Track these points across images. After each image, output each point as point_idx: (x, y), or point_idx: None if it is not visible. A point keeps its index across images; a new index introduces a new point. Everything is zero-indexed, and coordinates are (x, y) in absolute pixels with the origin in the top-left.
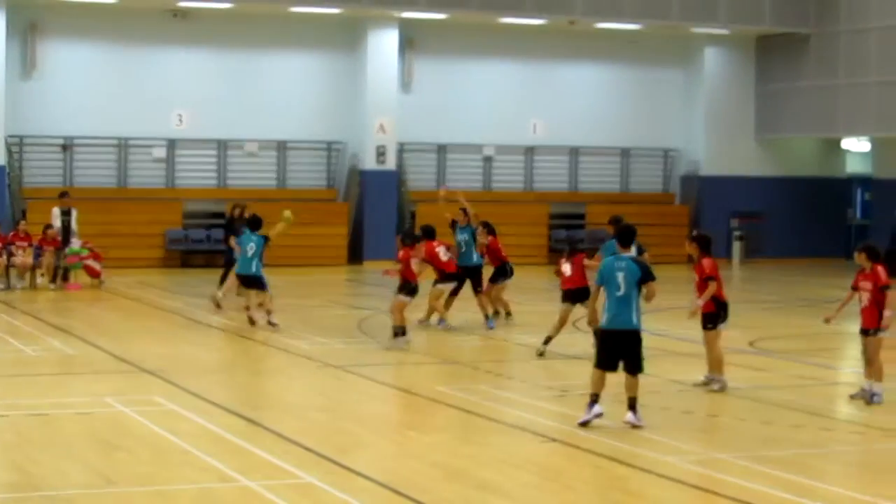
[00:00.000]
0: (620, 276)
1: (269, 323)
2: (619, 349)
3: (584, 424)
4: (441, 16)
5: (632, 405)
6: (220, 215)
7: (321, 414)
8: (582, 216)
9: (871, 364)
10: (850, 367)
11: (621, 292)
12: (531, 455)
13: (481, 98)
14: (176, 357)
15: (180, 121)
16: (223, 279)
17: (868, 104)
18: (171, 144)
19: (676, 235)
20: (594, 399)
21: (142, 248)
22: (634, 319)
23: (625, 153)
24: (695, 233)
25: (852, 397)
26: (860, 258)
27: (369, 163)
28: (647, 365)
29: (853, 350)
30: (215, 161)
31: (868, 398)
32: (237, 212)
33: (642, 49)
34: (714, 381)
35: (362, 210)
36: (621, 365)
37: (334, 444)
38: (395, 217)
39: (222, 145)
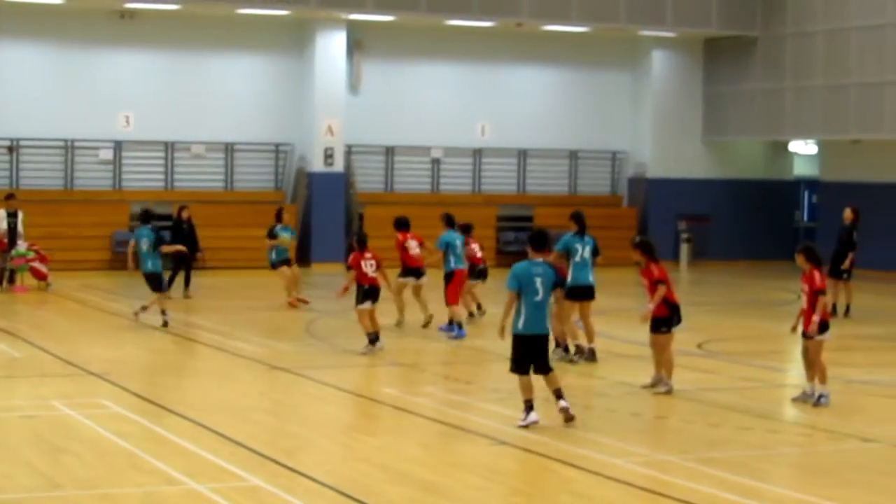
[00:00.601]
0: (538, 282)
1: (164, 324)
2: (534, 353)
3: (526, 425)
4: (389, 18)
5: (560, 394)
6: (167, 217)
7: (268, 416)
8: (530, 218)
9: (814, 367)
10: (796, 370)
11: (539, 297)
12: (479, 457)
13: (429, 100)
14: (122, 359)
15: (127, 122)
16: (170, 281)
17: (815, 107)
18: (118, 146)
19: (624, 238)
20: (530, 405)
21: (88, 250)
22: (547, 324)
23: (573, 155)
24: (637, 239)
25: (794, 400)
26: (799, 259)
27: (317, 165)
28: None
29: (799, 352)
30: (162, 163)
31: (814, 400)
32: (184, 214)
33: (590, 51)
34: (661, 384)
35: (310, 212)
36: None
37: (281, 447)
38: (342, 219)
39: (169, 147)
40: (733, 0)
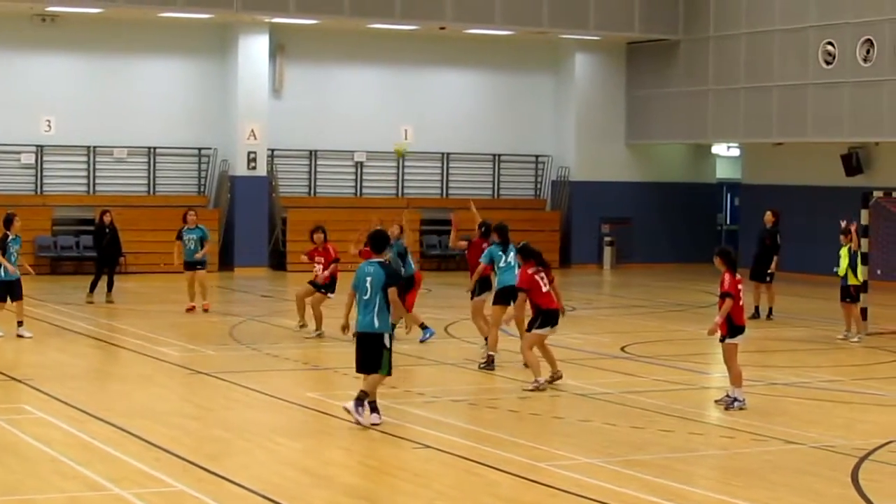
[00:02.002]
0: (368, 281)
1: (19, 335)
2: (368, 351)
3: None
4: (312, 21)
5: (359, 399)
6: (89, 222)
7: (191, 421)
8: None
9: (729, 370)
10: (719, 372)
11: (367, 296)
12: (403, 461)
13: (352, 104)
14: (44, 365)
15: (49, 126)
16: (93, 285)
17: (737, 110)
18: (40, 150)
19: (548, 241)
20: (373, 406)
21: None
22: (377, 323)
23: (496, 159)
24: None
25: (717, 402)
26: (717, 262)
27: (240, 169)
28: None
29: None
30: (84, 167)
31: (726, 404)
32: (106, 218)
33: (513, 55)
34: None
35: (233, 216)
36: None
37: (205, 452)
38: (266, 223)
39: (91, 151)
40: (656, 4)
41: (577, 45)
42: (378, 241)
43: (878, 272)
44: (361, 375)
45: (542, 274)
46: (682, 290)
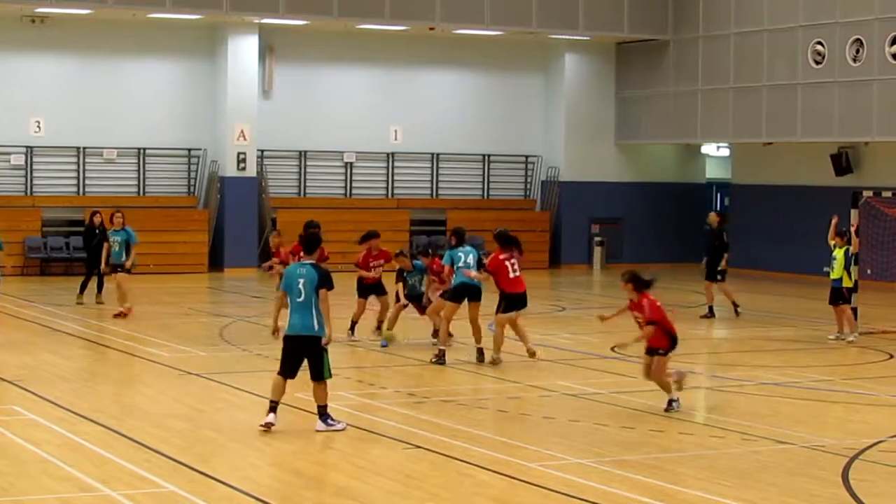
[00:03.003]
0: (301, 283)
1: None
2: (301, 356)
3: (265, 426)
4: (301, 22)
5: (321, 413)
6: (79, 223)
7: (182, 422)
8: (443, 222)
9: (660, 384)
10: (709, 372)
11: (301, 298)
12: (393, 462)
13: (342, 104)
14: (34, 366)
15: (38, 127)
16: (83, 286)
17: (726, 110)
18: (30, 151)
19: (537, 241)
20: (273, 406)
21: None
22: (315, 325)
23: (486, 159)
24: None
25: (667, 410)
26: (626, 289)
27: (230, 170)
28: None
29: (713, 355)
30: (74, 168)
31: (668, 405)
32: (96, 219)
33: (503, 55)
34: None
35: (223, 217)
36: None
37: (195, 453)
38: (255, 224)
39: (81, 152)
40: (645, 4)
41: (567, 45)
42: (309, 243)
43: (868, 272)
44: (282, 378)
45: (514, 261)
46: (672, 290)
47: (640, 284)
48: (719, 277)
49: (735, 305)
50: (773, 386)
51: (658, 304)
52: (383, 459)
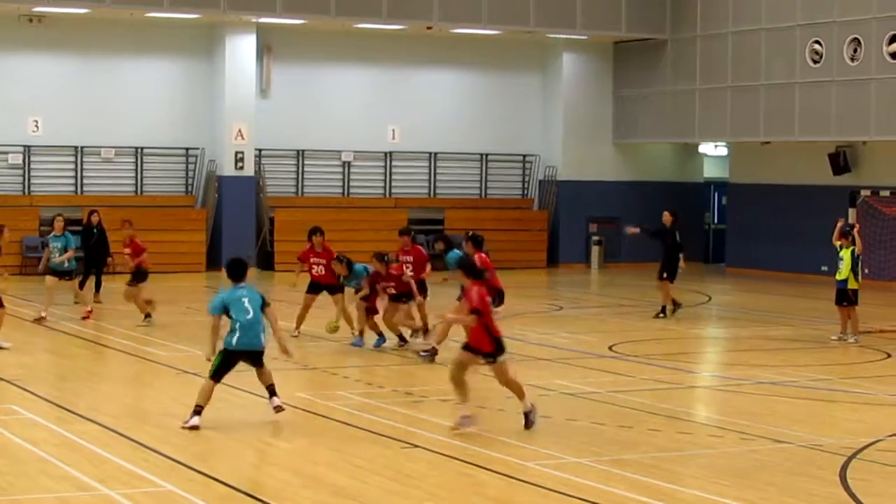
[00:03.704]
0: (246, 301)
1: None
2: (239, 364)
3: (189, 427)
4: (299, 21)
5: (272, 391)
6: (77, 222)
7: (180, 421)
8: (441, 222)
9: (511, 388)
10: (707, 371)
11: (250, 316)
12: (391, 461)
13: (340, 104)
14: (33, 365)
15: (36, 127)
16: (81, 285)
17: (724, 109)
18: (27, 151)
19: (535, 240)
20: (198, 410)
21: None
22: (263, 340)
23: (483, 158)
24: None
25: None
26: (459, 275)
27: (227, 169)
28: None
29: (710, 354)
30: (72, 167)
31: (525, 421)
32: (94, 218)
33: (501, 54)
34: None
35: (221, 216)
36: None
37: (193, 452)
38: (253, 223)
39: (79, 151)
40: (643, 3)
41: (565, 44)
42: (234, 270)
43: (866, 271)
44: (212, 383)
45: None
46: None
47: (471, 273)
48: (665, 276)
49: (665, 307)
50: (771, 385)
51: (488, 299)
52: (381, 459)
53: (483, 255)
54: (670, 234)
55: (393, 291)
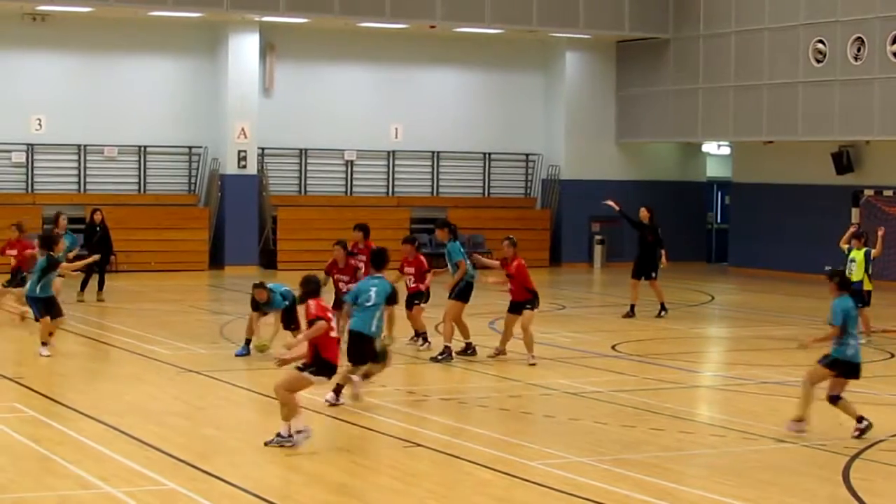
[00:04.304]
0: (373, 290)
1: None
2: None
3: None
4: (302, 20)
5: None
6: (80, 220)
7: (182, 420)
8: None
9: (285, 406)
10: (709, 371)
11: (371, 303)
12: (393, 460)
13: (342, 102)
14: (35, 363)
15: (39, 125)
16: (84, 284)
17: (727, 108)
18: (30, 149)
19: (538, 239)
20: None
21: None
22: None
23: (486, 157)
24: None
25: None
26: (301, 294)
27: (230, 167)
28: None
29: (713, 354)
30: (75, 166)
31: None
32: (97, 217)
33: (503, 53)
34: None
35: (223, 215)
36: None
37: (195, 450)
38: (256, 222)
39: (82, 150)
40: (645, 2)
41: (567, 43)
42: (379, 259)
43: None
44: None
45: None
46: (672, 288)
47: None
48: (653, 275)
49: (662, 307)
50: (773, 385)
51: (324, 306)
52: (384, 458)
53: (520, 260)
54: (651, 230)
55: (345, 288)
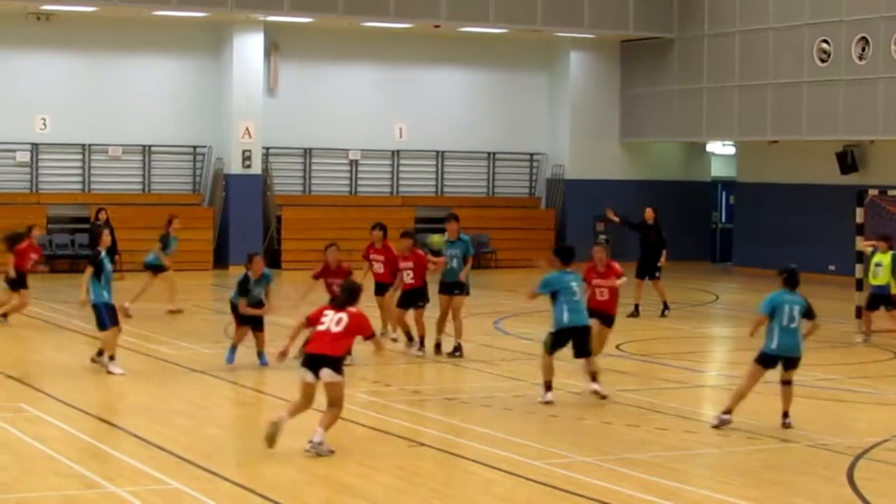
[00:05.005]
0: (574, 285)
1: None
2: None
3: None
4: (306, 20)
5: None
6: (84, 220)
7: (186, 419)
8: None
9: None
10: (714, 370)
11: (576, 298)
12: (397, 459)
13: (347, 102)
14: (40, 363)
15: (44, 125)
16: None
17: (731, 108)
18: (35, 148)
19: (542, 239)
20: (548, 386)
21: (5, 253)
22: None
23: (490, 157)
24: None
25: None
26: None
27: (234, 167)
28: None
29: (717, 353)
30: (79, 165)
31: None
32: (101, 216)
33: (508, 53)
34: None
35: (228, 215)
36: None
37: (199, 449)
38: (260, 222)
39: (86, 149)
40: (650, 2)
41: (572, 43)
42: (566, 255)
43: None
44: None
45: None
46: (677, 288)
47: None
48: (657, 275)
49: (665, 305)
50: (777, 385)
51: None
52: (388, 457)
53: (614, 264)
54: (654, 230)
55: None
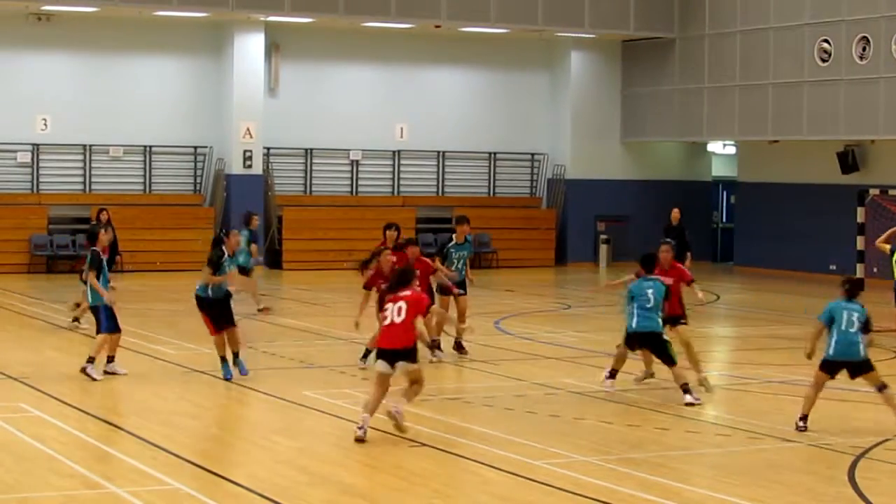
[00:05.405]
0: (650, 292)
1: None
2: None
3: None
4: (307, 20)
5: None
6: (85, 220)
7: (188, 420)
8: (449, 220)
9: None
10: (715, 370)
11: (650, 304)
12: (398, 459)
13: (348, 102)
14: (41, 363)
15: (45, 125)
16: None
17: (732, 108)
18: (36, 149)
19: (543, 239)
20: (613, 374)
21: (6, 253)
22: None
23: (491, 157)
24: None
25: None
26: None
27: (236, 167)
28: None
29: (719, 352)
30: (80, 166)
31: None
32: (103, 216)
33: (509, 53)
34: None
35: (229, 215)
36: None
37: (201, 450)
38: (261, 222)
39: (87, 150)
40: (651, 2)
41: (573, 43)
42: (649, 262)
43: (875, 270)
44: None
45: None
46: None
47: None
48: None
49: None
50: (779, 384)
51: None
52: (388, 457)
53: (681, 266)
54: (679, 231)
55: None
